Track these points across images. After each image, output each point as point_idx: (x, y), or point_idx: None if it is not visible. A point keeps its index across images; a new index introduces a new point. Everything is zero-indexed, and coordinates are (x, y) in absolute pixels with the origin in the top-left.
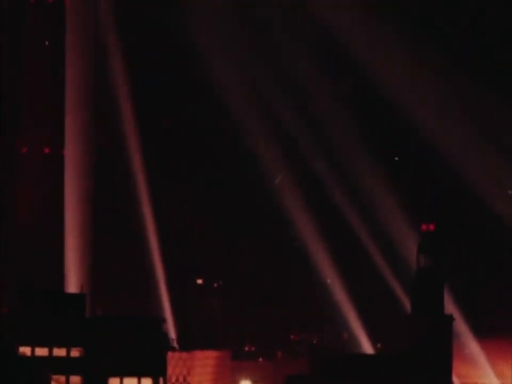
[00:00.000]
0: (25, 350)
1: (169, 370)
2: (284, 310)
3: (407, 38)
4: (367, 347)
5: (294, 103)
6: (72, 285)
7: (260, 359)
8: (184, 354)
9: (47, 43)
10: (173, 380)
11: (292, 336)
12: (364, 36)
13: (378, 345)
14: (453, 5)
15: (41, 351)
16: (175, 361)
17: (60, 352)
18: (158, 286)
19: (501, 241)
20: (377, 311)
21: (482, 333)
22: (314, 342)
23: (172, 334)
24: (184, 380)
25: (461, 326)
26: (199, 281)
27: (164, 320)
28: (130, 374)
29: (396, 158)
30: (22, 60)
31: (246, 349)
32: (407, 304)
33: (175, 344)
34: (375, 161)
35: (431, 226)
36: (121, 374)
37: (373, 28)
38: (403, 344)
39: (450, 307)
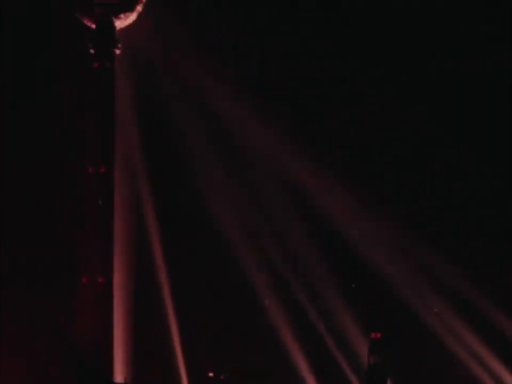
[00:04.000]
0: None
1: None
2: None
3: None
4: None
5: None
6: (119, 377)
7: None
8: None
9: (100, 202)
10: None
11: None
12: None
13: None
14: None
15: None
16: None
17: None
18: (181, 379)
19: (429, 346)
20: None
21: None
22: None
23: None
24: None
25: None
26: (211, 374)
27: None
28: None
29: (353, 285)
30: (79, 213)
31: None
32: None
33: None
34: (337, 288)
35: (379, 335)
36: None
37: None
38: None
39: None
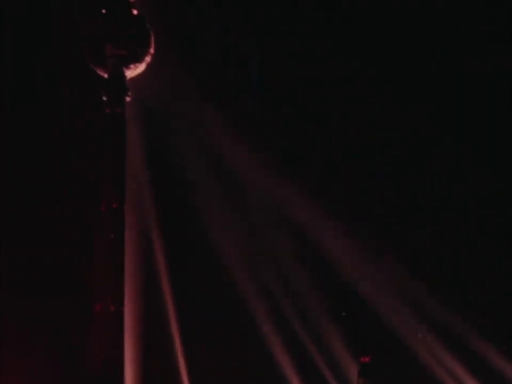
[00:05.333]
0: None
1: None
2: None
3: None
4: None
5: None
6: None
7: None
8: None
9: (112, 236)
10: None
11: None
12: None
13: None
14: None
15: None
16: None
17: None
18: None
19: (417, 371)
20: None
21: None
22: None
23: None
24: None
25: None
26: None
27: None
28: None
29: (343, 313)
30: (94, 250)
31: None
32: None
33: None
34: (328, 317)
35: (367, 359)
36: None
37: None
38: None
39: None
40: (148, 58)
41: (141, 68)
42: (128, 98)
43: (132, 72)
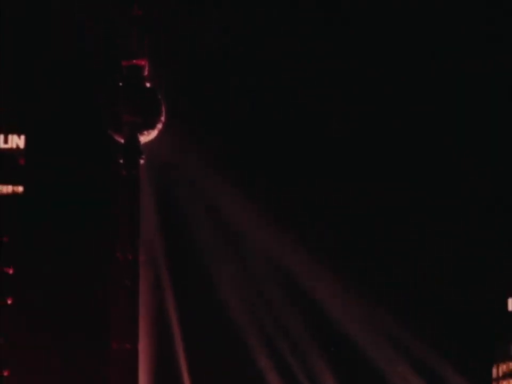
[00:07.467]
0: None
1: None
2: None
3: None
4: None
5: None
6: None
7: None
8: None
9: (126, 281)
10: None
11: None
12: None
13: None
14: None
15: None
16: None
17: None
18: None
19: None
20: None
21: None
22: None
23: None
24: None
25: None
26: None
27: None
28: None
29: (332, 349)
30: (110, 292)
31: None
32: None
33: None
34: (319, 351)
35: None
36: None
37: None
38: None
39: None
40: (159, 125)
41: (153, 134)
42: (141, 161)
43: (145, 137)
